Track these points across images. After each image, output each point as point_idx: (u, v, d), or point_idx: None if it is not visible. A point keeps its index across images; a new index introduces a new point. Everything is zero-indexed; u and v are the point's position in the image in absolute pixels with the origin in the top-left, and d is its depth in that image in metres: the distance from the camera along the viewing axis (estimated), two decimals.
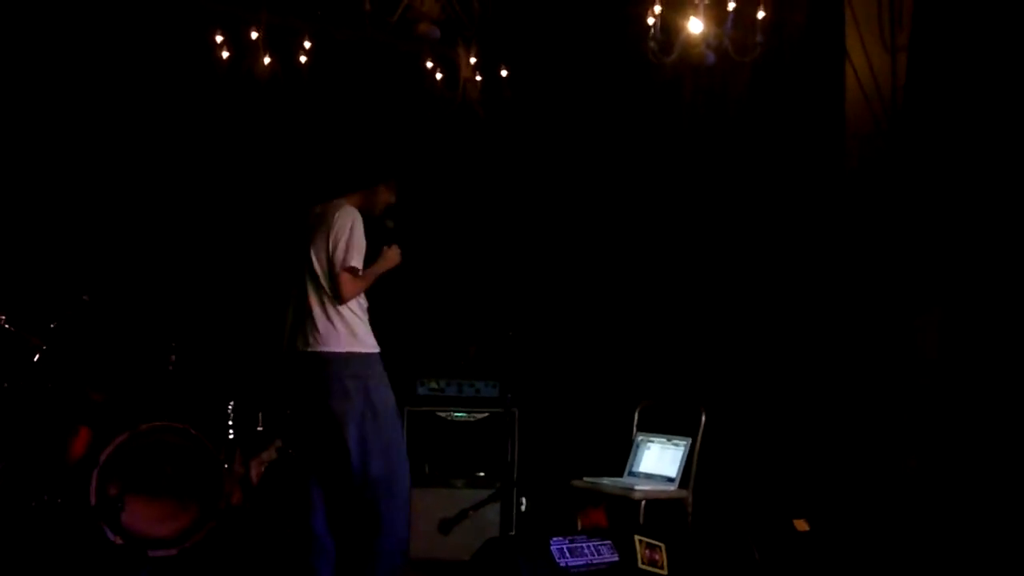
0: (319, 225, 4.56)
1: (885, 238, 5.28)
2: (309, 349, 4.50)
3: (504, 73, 6.22)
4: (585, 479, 5.47)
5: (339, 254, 4.46)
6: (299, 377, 4.56)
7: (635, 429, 5.65)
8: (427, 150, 6.49)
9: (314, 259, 4.52)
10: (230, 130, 6.53)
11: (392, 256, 4.69)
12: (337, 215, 4.53)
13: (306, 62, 5.98)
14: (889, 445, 5.16)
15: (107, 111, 6.26)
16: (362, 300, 4.59)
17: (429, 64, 6.20)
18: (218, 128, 6.51)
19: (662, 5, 4.88)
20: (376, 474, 4.44)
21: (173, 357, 5.86)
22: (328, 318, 4.50)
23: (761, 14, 4.84)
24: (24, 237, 6.05)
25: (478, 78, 6.20)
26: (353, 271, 4.47)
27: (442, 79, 6.25)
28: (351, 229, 4.50)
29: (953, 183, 5.01)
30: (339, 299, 4.48)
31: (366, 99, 6.64)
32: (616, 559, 4.17)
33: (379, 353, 4.58)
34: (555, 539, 4.11)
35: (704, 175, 6.09)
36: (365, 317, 4.59)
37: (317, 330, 4.49)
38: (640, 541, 4.25)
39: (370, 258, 4.62)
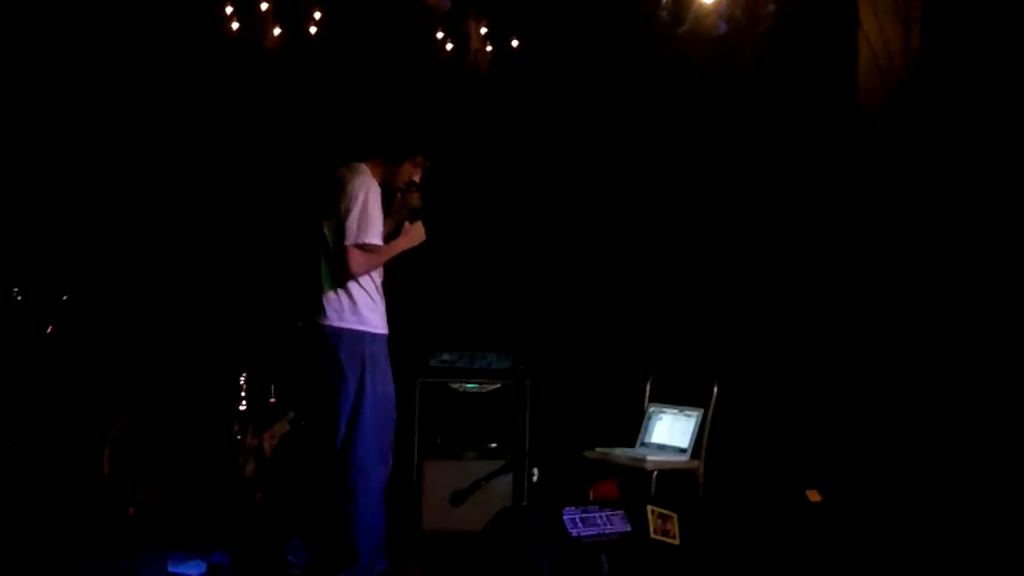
0: (335, 190, 4.41)
1: (896, 210, 5.26)
2: (314, 321, 4.40)
3: (515, 44, 6.19)
4: (597, 450, 5.49)
5: (350, 225, 4.32)
6: (305, 349, 4.48)
7: (647, 400, 5.66)
8: (436, 119, 6.47)
9: (325, 227, 4.41)
10: (242, 100, 6.50)
11: (416, 233, 4.53)
12: (353, 181, 4.39)
13: (315, 33, 5.96)
14: (901, 415, 5.16)
15: (120, 86, 6.26)
16: (375, 276, 4.46)
17: (439, 35, 6.18)
18: (230, 98, 6.49)
19: None
20: (356, 459, 4.33)
21: (185, 330, 5.88)
22: (334, 290, 4.38)
23: None
24: (35, 210, 6.06)
25: (488, 49, 6.18)
26: (363, 247, 4.33)
27: (452, 50, 6.22)
28: (364, 200, 4.34)
29: (966, 156, 4.99)
30: (346, 273, 4.35)
31: (375, 70, 6.61)
32: (628, 529, 4.19)
33: (384, 336, 4.46)
34: (567, 509, 4.12)
35: (715, 148, 6.06)
36: (377, 295, 4.46)
37: (321, 302, 4.38)
38: (652, 511, 4.26)
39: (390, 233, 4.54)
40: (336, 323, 4.38)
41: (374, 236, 4.36)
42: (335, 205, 4.39)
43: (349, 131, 5.64)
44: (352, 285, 4.38)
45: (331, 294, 4.39)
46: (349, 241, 4.32)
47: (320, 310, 4.39)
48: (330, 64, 6.40)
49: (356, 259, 4.33)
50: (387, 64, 6.52)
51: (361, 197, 4.35)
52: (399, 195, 4.59)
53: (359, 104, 6.35)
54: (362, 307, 4.39)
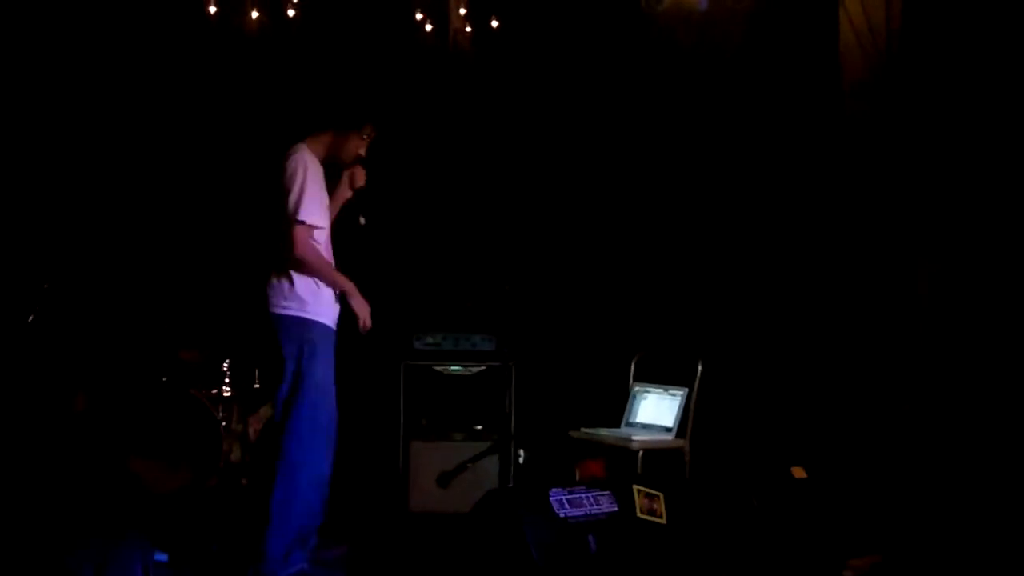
0: (277, 172, 4.29)
1: (880, 185, 5.27)
2: (263, 307, 4.31)
3: (495, 24, 6.16)
4: (583, 430, 5.50)
5: (291, 204, 4.18)
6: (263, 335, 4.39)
7: (632, 380, 5.66)
8: (417, 101, 6.43)
9: (268, 209, 4.30)
10: (223, 84, 6.45)
11: (363, 306, 4.37)
12: (288, 161, 4.26)
13: (294, 15, 5.92)
14: (883, 391, 5.18)
15: (94, 68, 6.21)
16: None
17: (419, 15, 6.14)
18: (210, 82, 6.44)
19: None
20: (285, 450, 4.23)
21: (172, 317, 5.87)
22: (276, 275, 4.27)
23: None
24: (13, 197, 6.01)
25: (468, 29, 6.14)
26: (308, 227, 4.21)
27: (432, 30, 6.19)
28: (303, 177, 4.22)
29: (949, 130, 4.99)
30: (289, 254, 4.21)
31: (355, 51, 6.56)
32: (615, 509, 4.19)
33: (326, 326, 4.32)
34: (554, 490, 4.12)
35: (699, 124, 6.05)
36: (322, 284, 4.32)
37: (267, 287, 4.29)
38: (639, 491, 4.26)
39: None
40: (276, 309, 4.27)
41: (315, 213, 4.25)
42: (275, 180, 4.28)
43: (299, 105, 5.52)
44: (295, 271, 4.25)
45: (274, 280, 4.28)
46: (293, 219, 4.20)
47: (265, 296, 4.30)
48: (309, 47, 6.35)
49: (301, 237, 4.20)
50: (366, 44, 6.48)
51: (300, 174, 4.23)
52: (344, 173, 4.49)
53: (310, 78, 6.26)
54: (302, 293, 4.26)
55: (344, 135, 4.42)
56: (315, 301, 4.29)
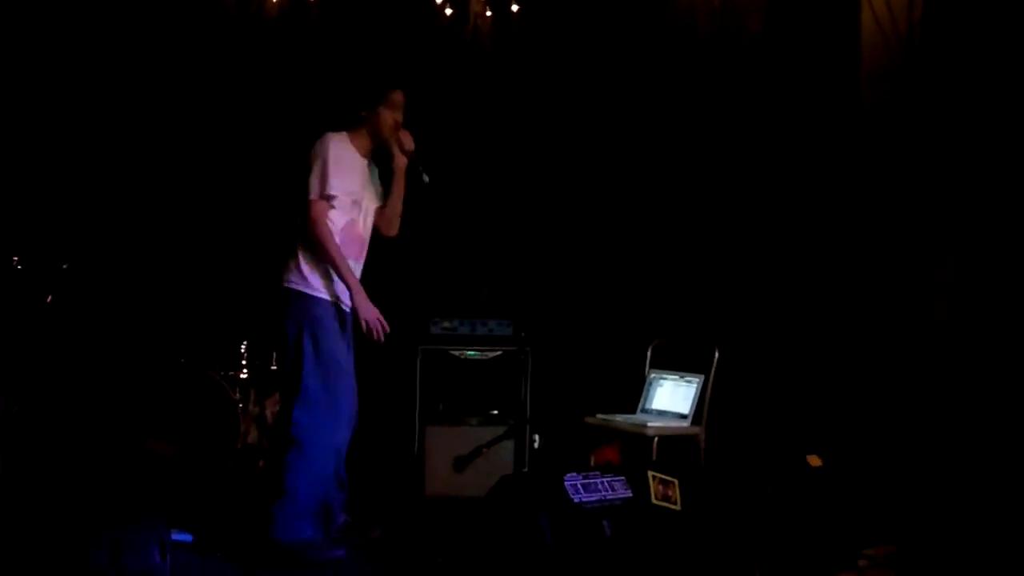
0: (302, 157, 4.44)
1: (902, 179, 5.24)
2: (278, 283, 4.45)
3: (515, 9, 6.15)
4: (598, 416, 5.50)
5: (312, 181, 4.33)
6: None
7: (648, 366, 5.67)
8: (436, 86, 6.43)
9: (290, 193, 4.43)
10: (243, 69, 6.46)
11: (367, 306, 4.40)
12: (315, 146, 4.40)
13: (314, 1, 5.92)
14: (900, 380, 5.16)
15: (111, 53, 6.23)
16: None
17: (438, 0, 6.14)
18: (231, 67, 6.45)
19: None
20: (295, 420, 4.32)
21: (190, 299, 5.88)
22: (288, 250, 4.40)
23: None
24: (31, 179, 6.04)
25: (488, 14, 6.14)
26: (327, 198, 4.32)
27: (452, 15, 6.18)
28: (323, 153, 4.35)
29: (971, 121, 4.96)
30: (304, 231, 4.34)
31: (375, 37, 6.56)
32: (630, 495, 4.19)
33: (331, 303, 4.39)
34: (569, 475, 4.12)
35: (718, 113, 6.03)
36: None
37: (280, 262, 4.42)
38: (653, 477, 4.27)
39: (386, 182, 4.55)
40: (284, 283, 4.39)
41: (337, 184, 4.34)
42: (301, 170, 4.41)
43: (322, 100, 5.57)
44: (304, 248, 4.37)
45: (286, 253, 4.40)
46: (312, 196, 4.33)
47: (279, 273, 4.42)
48: (327, 32, 6.35)
49: (315, 214, 4.30)
50: (386, 30, 6.48)
51: (321, 154, 4.36)
52: (393, 147, 4.57)
53: (328, 67, 6.28)
54: (307, 269, 4.36)
55: (374, 114, 4.52)
56: (321, 278, 4.37)
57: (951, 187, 5.03)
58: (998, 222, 4.85)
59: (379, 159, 4.64)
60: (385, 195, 4.69)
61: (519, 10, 6.16)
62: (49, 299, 5.45)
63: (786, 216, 5.73)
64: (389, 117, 4.54)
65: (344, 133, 4.50)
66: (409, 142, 4.58)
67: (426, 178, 4.57)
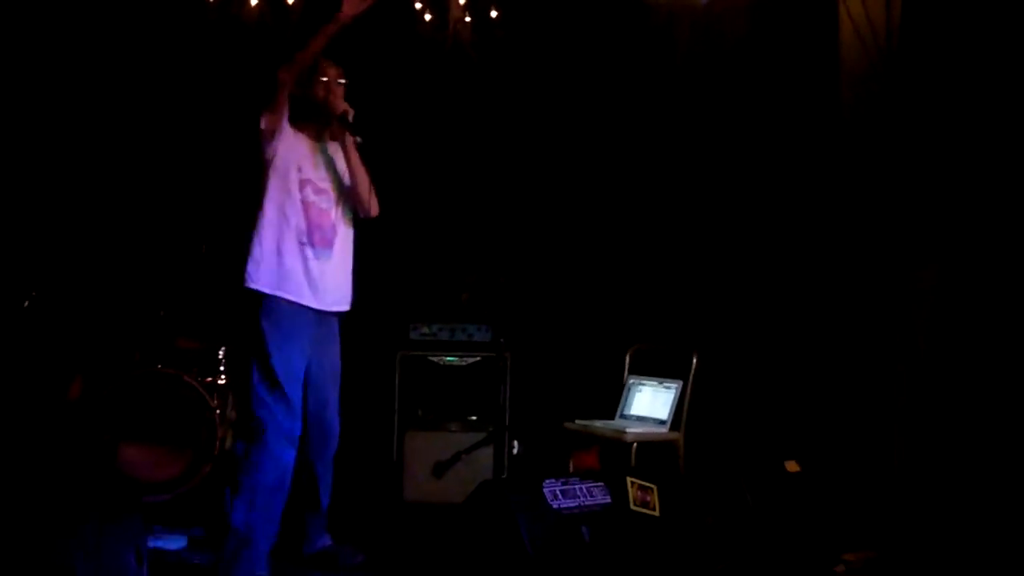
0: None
1: (881, 184, 5.26)
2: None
3: (494, 14, 6.14)
4: (577, 422, 5.49)
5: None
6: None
7: (627, 372, 5.67)
8: (414, 91, 6.42)
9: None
10: (223, 72, 6.43)
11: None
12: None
13: (294, 3, 5.90)
14: (879, 385, 5.18)
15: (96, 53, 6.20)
16: (289, 236, 4.30)
17: (418, 5, 6.12)
18: (211, 71, 6.42)
19: None
20: (255, 418, 4.26)
21: (163, 306, 5.85)
22: (248, 249, 4.29)
23: None
24: (9, 179, 6.00)
25: (468, 19, 6.12)
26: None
27: (431, 21, 6.17)
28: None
29: (951, 125, 4.98)
30: (284, 84, 4.28)
31: (355, 42, 6.54)
32: (608, 501, 4.19)
33: (287, 301, 4.27)
34: (548, 481, 4.12)
35: (698, 118, 6.04)
36: (292, 256, 4.28)
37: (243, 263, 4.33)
38: (632, 483, 4.27)
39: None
40: (245, 282, 4.29)
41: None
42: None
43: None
44: (263, 243, 4.27)
45: (247, 253, 4.29)
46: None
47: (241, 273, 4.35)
48: (308, 35, 6.32)
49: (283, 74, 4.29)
50: (365, 34, 6.45)
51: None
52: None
53: None
54: (263, 264, 4.26)
55: (309, 91, 4.46)
56: (274, 274, 4.26)
57: (931, 192, 5.05)
58: (979, 227, 4.87)
59: None
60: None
61: (499, 15, 6.14)
62: (26, 303, 5.41)
63: (766, 221, 5.74)
64: (320, 89, 4.46)
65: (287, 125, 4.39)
66: (339, 105, 4.45)
67: (358, 139, 4.43)
